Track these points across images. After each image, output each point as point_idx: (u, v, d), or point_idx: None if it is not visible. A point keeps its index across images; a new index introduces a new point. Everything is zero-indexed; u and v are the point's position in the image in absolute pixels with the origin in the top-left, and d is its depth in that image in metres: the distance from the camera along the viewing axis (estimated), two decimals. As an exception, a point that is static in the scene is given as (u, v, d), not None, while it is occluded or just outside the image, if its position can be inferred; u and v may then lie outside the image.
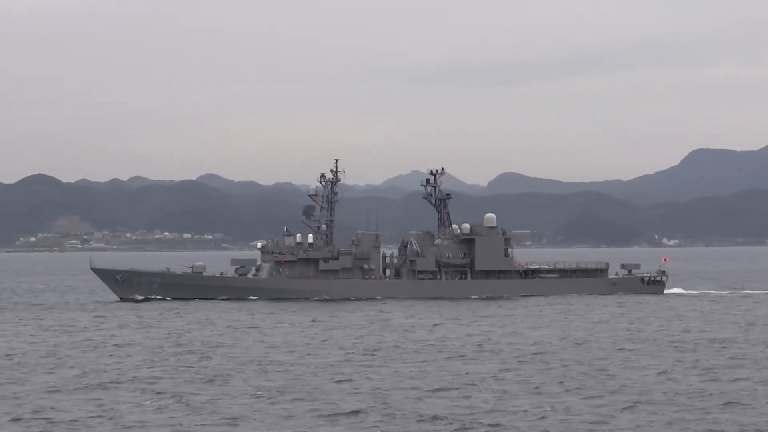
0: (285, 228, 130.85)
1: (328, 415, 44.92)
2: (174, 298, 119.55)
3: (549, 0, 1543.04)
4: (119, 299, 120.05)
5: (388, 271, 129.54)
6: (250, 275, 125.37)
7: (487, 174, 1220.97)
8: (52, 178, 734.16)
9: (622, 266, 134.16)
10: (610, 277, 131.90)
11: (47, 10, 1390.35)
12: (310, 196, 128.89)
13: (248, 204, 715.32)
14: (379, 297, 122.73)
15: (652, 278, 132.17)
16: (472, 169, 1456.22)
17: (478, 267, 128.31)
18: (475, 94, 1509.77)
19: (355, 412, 45.36)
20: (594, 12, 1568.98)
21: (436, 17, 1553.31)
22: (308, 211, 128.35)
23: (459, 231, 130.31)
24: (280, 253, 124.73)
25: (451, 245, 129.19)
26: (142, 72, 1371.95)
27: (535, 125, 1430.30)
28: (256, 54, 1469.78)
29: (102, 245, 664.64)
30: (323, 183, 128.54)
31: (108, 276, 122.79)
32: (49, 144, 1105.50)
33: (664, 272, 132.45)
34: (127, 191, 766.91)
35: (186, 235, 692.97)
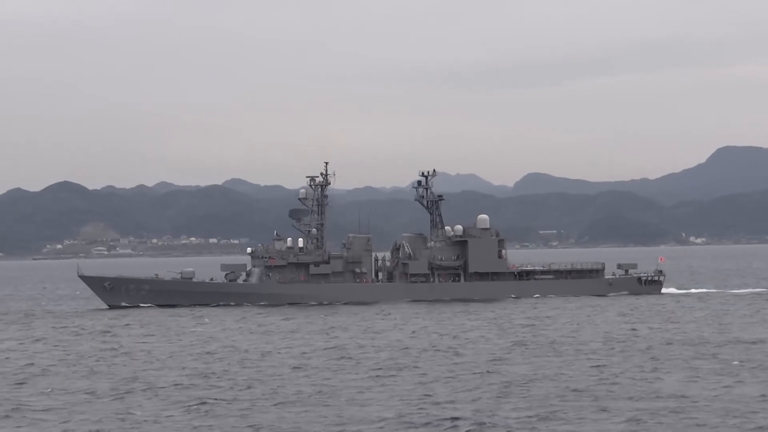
0: (275, 232, 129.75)
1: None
2: (163, 305, 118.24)
3: (574, 1, 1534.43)
4: (107, 307, 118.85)
5: (380, 275, 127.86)
6: (240, 281, 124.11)
7: (514, 175, 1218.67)
8: (77, 185, 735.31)
9: (619, 266, 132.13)
10: (606, 277, 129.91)
11: (70, 17, 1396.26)
12: (299, 199, 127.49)
13: (274, 208, 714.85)
14: (370, 301, 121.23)
15: (649, 278, 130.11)
16: (499, 170, 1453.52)
17: (471, 269, 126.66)
18: (501, 95, 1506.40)
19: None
20: (618, 11, 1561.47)
21: (462, 18, 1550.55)
22: (297, 215, 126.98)
23: (452, 233, 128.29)
24: (269, 257, 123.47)
25: (443, 247, 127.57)
26: (167, 78, 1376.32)
27: (562, 125, 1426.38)
28: (282, 58, 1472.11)
29: (128, 251, 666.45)
30: (313, 186, 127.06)
31: (96, 283, 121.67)
32: (74, 151, 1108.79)
33: (661, 272, 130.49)
34: (153, 197, 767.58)
35: (212, 240, 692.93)
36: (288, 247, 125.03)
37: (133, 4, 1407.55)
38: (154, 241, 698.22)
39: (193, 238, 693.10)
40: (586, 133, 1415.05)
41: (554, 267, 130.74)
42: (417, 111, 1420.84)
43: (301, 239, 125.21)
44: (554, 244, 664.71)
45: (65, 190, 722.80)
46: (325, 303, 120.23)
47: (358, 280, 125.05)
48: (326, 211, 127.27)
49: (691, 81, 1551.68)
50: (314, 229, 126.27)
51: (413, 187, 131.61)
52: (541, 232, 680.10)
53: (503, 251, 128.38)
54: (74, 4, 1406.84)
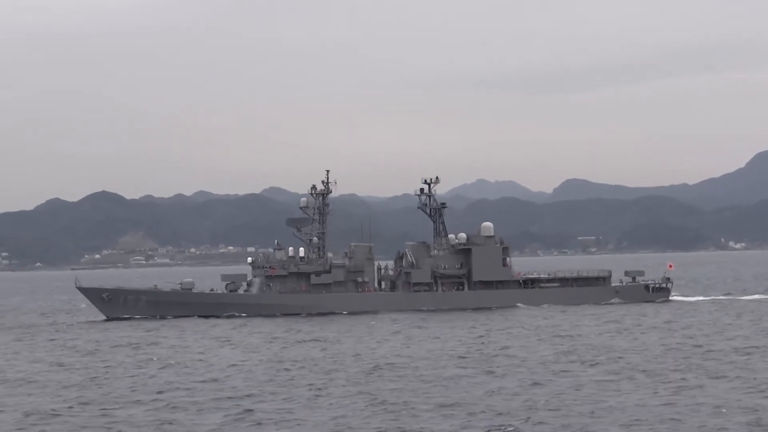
0: (275, 241, 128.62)
1: None
2: (161, 317, 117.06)
3: (609, 6, 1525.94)
4: (106, 318, 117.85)
5: (383, 284, 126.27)
6: (240, 291, 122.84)
7: (553, 181, 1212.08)
8: (115, 194, 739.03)
9: (626, 273, 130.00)
10: (612, 285, 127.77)
11: (107, 29, 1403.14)
12: (301, 208, 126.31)
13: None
14: (372, 310, 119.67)
15: (657, 285, 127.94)
16: (538, 176, 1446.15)
17: (475, 277, 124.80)
18: (540, 101, 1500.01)
19: None
20: (655, 16, 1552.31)
21: (501, 26, 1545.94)
22: (297, 224, 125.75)
23: (455, 241, 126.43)
24: (270, 267, 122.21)
25: (447, 256, 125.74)
26: (205, 88, 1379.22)
27: (600, 131, 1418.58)
28: (319, 66, 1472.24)
29: (166, 261, 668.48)
30: (314, 195, 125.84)
31: (94, 295, 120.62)
32: (112, 161, 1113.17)
33: (669, 279, 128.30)
34: (191, 206, 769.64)
35: (250, 249, 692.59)
36: (290, 257, 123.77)
37: (170, 15, 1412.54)
38: (192, 250, 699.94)
39: (231, 247, 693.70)
40: (625, 138, 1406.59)
41: (560, 275, 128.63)
42: (455, 118, 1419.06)
43: (302, 248, 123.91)
44: (593, 250, 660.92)
45: (103, 199, 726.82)
46: (326, 313, 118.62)
47: (360, 290, 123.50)
48: (327, 220, 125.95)
49: (729, 85, 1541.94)
50: (315, 238, 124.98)
51: (416, 195, 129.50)
52: (579, 238, 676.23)
53: (508, 259, 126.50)
54: (111, 16, 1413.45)
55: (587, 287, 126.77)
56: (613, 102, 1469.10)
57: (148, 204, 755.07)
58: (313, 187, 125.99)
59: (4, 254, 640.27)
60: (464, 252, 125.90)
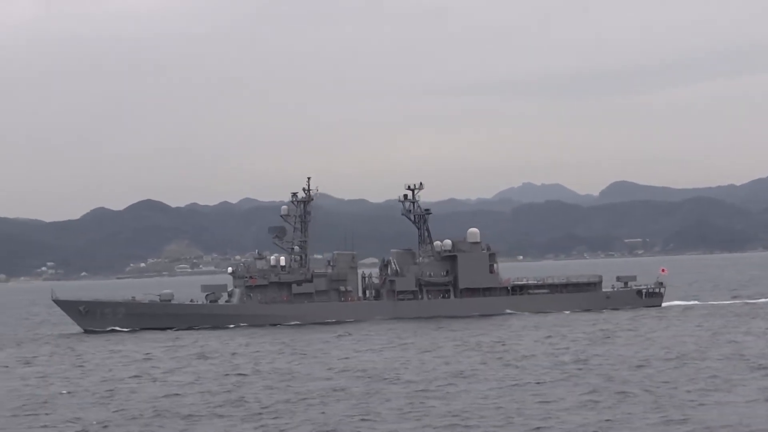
0: (256, 250, 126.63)
1: None
2: (141, 329, 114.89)
3: (652, 8, 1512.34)
4: (83, 331, 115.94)
5: (368, 293, 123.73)
6: (221, 301, 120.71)
7: (599, 183, 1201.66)
8: (160, 203, 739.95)
9: (618, 278, 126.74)
10: (603, 290, 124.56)
11: (151, 34, 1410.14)
12: (281, 216, 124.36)
13: (357, 222, 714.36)
14: (355, 320, 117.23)
15: (650, 290, 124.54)
16: (584, 179, 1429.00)
17: (461, 285, 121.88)
18: (585, 103, 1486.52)
19: None
20: (701, 18, 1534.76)
21: (544, 27, 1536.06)
22: (277, 232, 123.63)
23: (441, 248, 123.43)
24: (250, 277, 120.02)
25: (432, 263, 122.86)
26: (250, 94, 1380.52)
27: (646, 132, 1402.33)
28: (363, 71, 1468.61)
29: (211, 268, 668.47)
30: (295, 202, 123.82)
31: (71, 307, 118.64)
32: (156, 170, 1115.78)
33: (661, 284, 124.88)
34: (236, 213, 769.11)
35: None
36: (271, 266, 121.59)
37: (211, 20, 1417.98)
38: (238, 257, 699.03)
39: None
40: (671, 139, 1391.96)
41: (549, 281, 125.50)
42: (500, 121, 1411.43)
43: (283, 257, 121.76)
44: (639, 252, 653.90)
45: (148, 208, 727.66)
46: (308, 323, 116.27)
47: (343, 299, 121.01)
48: (310, 228, 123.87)
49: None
50: (297, 247, 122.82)
51: (399, 201, 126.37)
52: (626, 240, 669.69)
53: (495, 265, 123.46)
54: (151, 23, 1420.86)
55: (577, 293, 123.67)
56: (659, 104, 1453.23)
57: (192, 212, 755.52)
58: (294, 195, 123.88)
59: (49, 264, 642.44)
60: (450, 259, 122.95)
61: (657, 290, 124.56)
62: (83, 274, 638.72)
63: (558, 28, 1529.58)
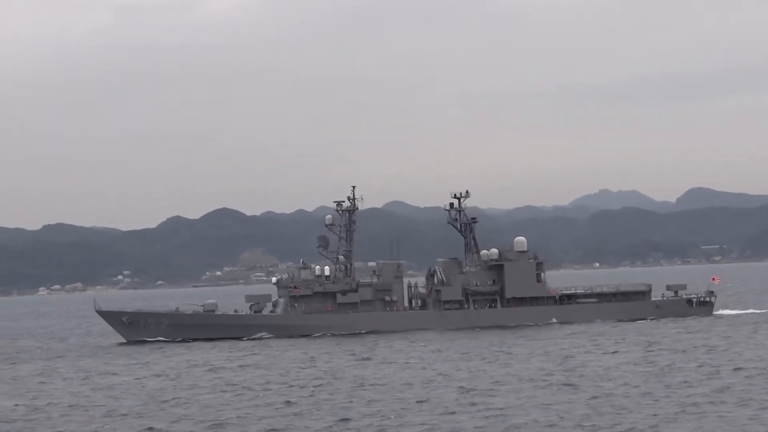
0: (300, 260, 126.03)
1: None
2: (184, 340, 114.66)
3: (728, 13, 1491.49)
4: (126, 342, 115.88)
5: (414, 302, 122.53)
6: (265, 311, 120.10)
7: (676, 190, 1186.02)
8: (235, 211, 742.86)
9: (668, 287, 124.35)
10: (653, 299, 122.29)
11: (235, 42, 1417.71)
12: (326, 225, 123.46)
13: (434, 229, 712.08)
14: (400, 329, 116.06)
15: (700, 299, 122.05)
16: (661, 185, 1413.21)
17: (508, 294, 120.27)
18: (661, 109, 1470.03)
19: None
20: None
21: (623, 33, 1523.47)
22: (323, 242, 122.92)
23: (487, 257, 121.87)
24: (294, 287, 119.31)
25: (479, 272, 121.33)
26: (329, 108, 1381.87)
27: (723, 138, 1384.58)
28: (440, 79, 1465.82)
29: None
30: (340, 211, 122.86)
31: (114, 318, 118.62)
32: (232, 178, 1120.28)
33: (712, 292, 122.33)
34: (312, 221, 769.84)
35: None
36: (316, 276, 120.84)
37: (287, 31, 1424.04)
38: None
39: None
40: (748, 145, 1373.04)
41: (597, 290, 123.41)
42: (576, 128, 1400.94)
43: (327, 267, 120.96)
44: (717, 258, 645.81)
45: (224, 216, 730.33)
46: (353, 333, 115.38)
47: (388, 309, 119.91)
48: (354, 237, 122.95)
49: None
50: (342, 256, 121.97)
51: (445, 210, 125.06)
52: (703, 247, 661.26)
53: (542, 274, 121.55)
54: (239, 30, 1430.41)
55: (626, 302, 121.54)
56: (736, 109, 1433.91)
57: (268, 220, 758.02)
58: (339, 204, 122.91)
59: (126, 272, 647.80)
60: (497, 268, 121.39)
61: (708, 299, 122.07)
62: (159, 282, 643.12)
63: (637, 34, 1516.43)
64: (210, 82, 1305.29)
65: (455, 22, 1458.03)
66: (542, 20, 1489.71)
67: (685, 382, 61.87)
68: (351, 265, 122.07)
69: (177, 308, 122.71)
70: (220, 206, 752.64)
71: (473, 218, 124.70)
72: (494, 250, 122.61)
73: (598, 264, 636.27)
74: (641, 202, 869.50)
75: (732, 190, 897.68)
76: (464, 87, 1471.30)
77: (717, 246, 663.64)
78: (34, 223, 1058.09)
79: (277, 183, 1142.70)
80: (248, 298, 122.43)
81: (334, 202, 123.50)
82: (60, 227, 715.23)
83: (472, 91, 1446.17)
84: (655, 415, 50.73)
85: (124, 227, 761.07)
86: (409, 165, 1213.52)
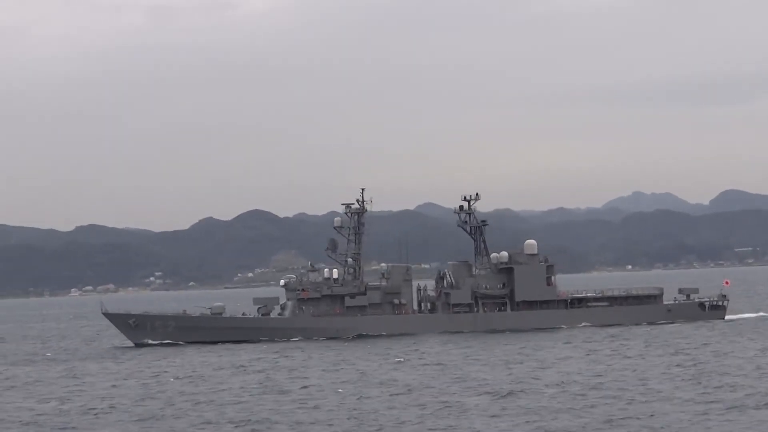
0: (309, 263, 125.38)
1: None
2: (191, 342, 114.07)
3: (764, 11, 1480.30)
4: (133, 344, 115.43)
5: (423, 305, 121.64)
6: (273, 314, 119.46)
7: (710, 192, 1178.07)
8: (268, 213, 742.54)
9: (680, 291, 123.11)
10: (665, 303, 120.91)
11: (263, 48, 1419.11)
12: (335, 228, 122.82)
13: (462, 231, 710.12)
14: (409, 332, 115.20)
15: (713, 303, 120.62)
16: (695, 187, 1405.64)
17: (518, 298, 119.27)
18: (696, 111, 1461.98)
19: None
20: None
21: (654, 36, 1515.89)
22: (331, 245, 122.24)
23: (497, 260, 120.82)
24: (302, 290, 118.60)
25: (488, 275, 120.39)
26: (363, 109, 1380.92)
27: (757, 140, 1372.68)
28: (470, 82, 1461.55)
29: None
30: (349, 214, 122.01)
31: (120, 321, 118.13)
32: (265, 181, 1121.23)
33: (725, 296, 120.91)
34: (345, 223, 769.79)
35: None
36: (325, 278, 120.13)
37: (318, 35, 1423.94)
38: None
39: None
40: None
41: (608, 293, 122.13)
42: (609, 130, 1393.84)
43: (335, 270, 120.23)
44: (750, 261, 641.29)
45: (256, 218, 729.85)
46: (362, 335, 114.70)
47: (397, 312, 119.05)
48: (363, 240, 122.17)
49: None
50: (350, 259, 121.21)
51: (455, 213, 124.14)
52: (736, 249, 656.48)
53: (552, 278, 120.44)
54: (257, 40, 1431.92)
55: (637, 306, 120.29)
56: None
57: (300, 222, 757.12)
58: (348, 206, 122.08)
59: (158, 274, 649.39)
60: (506, 271, 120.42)
61: (720, 303, 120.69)
62: (191, 284, 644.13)
63: (672, 35, 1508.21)
64: (241, 83, 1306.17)
65: (489, 24, 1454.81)
66: (574, 22, 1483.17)
67: None
68: (360, 267, 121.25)
69: (184, 311, 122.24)
70: (253, 207, 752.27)
71: (483, 221, 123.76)
72: (504, 253, 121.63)
73: (630, 266, 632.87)
74: (674, 204, 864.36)
75: (766, 192, 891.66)
76: (496, 89, 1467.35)
77: (750, 248, 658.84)
78: (66, 225, 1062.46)
79: (309, 184, 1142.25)
80: (256, 300, 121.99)
81: (342, 204, 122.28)
82: (92, 228, 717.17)
83: (505, 93, 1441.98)
84: None
85: (157, 228, 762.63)
86: (439, 167, 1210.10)
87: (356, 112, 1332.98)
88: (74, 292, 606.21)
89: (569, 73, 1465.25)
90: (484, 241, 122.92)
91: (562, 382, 65.80)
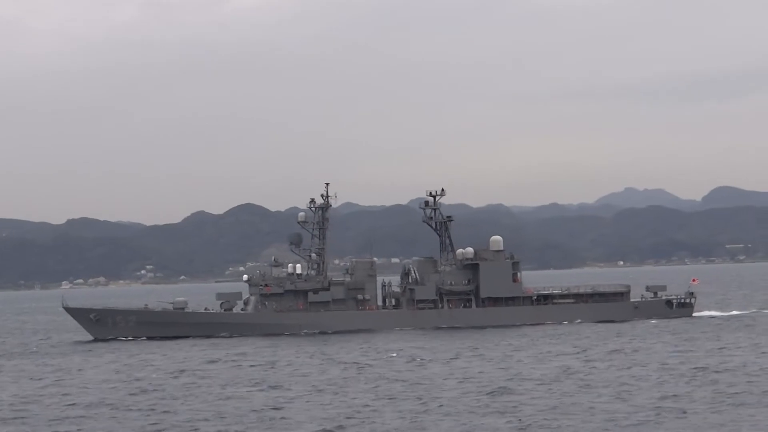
0: (273, 258, 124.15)
1: None
2: (152, 338, 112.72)
3: (755, 12, 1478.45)
4: (94, 339, 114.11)
5: (388, 301, 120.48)
6: (236, 310, 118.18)
7: (702, 189, 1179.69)
8: (259, 207, 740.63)
9: (647, 288, 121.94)
10: (631, 300, 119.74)
11: (256, 42, 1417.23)
12: (299, 223, 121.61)
13: (458, 226, 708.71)
14: (373, 329, 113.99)
15: (680, 300, 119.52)
16: (687, 184, 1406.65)
17: (483, 294, 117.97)
18: (688, 109, 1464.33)
19: None
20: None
21: (649, 33, 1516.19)
22: (295, 240, 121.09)
23: (462, 256, 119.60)
24: (265, 285, 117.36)
25: (453, 271, 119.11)
26: (359, 105, 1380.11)
27: (750, 137, 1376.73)
28: (467, 78, 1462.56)
29: (258, 274, 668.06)
30: (313, 209, 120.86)
31: (81, 315, 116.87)
32: (257, 175, 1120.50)
33: (692, 294, 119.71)
34: (336, 217, 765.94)
35: (394, 260, 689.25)
36: (288, 274, 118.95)
37: (311, 28, 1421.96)
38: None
39: (375, 258, 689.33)
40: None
41: (575, 290, 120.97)
42: (602, 127, 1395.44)
43: (299, 265, 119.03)
44: (741, 258, 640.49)
45: (247, 212, 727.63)
46: (324, 332, 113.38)
47: (361, 308, 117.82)
48: (327, 235, 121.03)
49: None
50: (314, 254, 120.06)
51: (420, 208, 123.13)
52: (728, 246, 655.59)
53: (518, 274, 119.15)
54: (253, 33, 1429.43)
55: (604, 303, 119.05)
56: (764, 108, 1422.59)
57: (293, 216, 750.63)
58: (312, 201, 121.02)
59: (148, 267, 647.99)
60: (472, 267, 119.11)
61: (687, 300, 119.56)
62: (182, 277, 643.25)
63: (665, 34, 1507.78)
64: (234, 77, 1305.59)
65: (481, 21, 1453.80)
66: (569, 20, 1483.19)
67: None
68: (324, 263, 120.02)
69: (146, 305, 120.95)
70: (245, 201, 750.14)
71: (448, 216, 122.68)
72: (469, 249, 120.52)
73: (622, 262, 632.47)
74: (667, 200, 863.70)
75: (758, 189, 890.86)
76: (490, 86, 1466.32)
77: (742, 245, 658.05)
78: (58, 218, 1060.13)
79: (302, 178, 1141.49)
80: (219, 296, 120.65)
81: (310, 199, 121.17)
82: (84, 221, 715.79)
83: (500, 90, 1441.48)
84: None
85: (148, 222, 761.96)
86: (432, 161, 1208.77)
87: (352, 106, 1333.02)
88: (65, 285, 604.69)
89: (563, 70, 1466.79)
90: (449, 237, 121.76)
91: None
